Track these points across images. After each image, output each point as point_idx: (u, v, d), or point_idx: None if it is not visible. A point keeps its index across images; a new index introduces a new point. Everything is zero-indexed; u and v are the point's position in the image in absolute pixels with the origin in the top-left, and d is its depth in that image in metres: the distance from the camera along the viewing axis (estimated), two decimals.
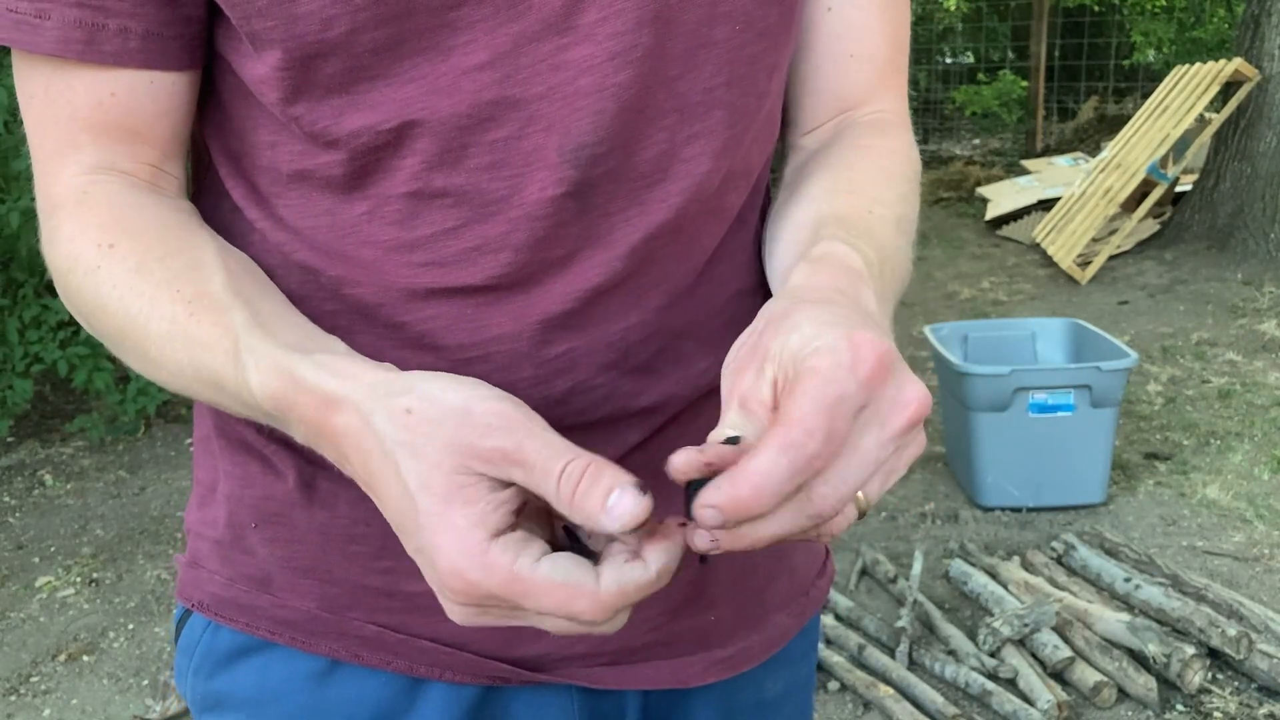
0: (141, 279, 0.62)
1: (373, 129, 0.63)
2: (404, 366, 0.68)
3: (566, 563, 0.50)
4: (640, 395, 0.71)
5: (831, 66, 0.76)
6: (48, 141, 0.67)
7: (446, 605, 0.53)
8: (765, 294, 0.80)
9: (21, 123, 0.70)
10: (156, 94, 0.66)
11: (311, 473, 0.72)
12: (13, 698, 2.65)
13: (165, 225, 0.66)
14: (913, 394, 0.51)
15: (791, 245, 0.68)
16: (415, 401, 0.53)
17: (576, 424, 0.70)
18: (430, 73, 0.62)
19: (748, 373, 0.53)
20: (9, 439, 4.14)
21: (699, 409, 0.75)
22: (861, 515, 0.53)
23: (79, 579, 3.19)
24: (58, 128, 0.66)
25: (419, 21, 0.60)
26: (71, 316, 4.11)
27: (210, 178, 0.73)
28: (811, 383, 0.48)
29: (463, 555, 0.50)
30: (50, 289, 4.03)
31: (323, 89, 0.62)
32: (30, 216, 3.62)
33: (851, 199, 0.69)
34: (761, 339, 0.54)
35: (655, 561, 0.51)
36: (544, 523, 0.55)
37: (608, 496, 0.48)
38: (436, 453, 0.51)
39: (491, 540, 0.50)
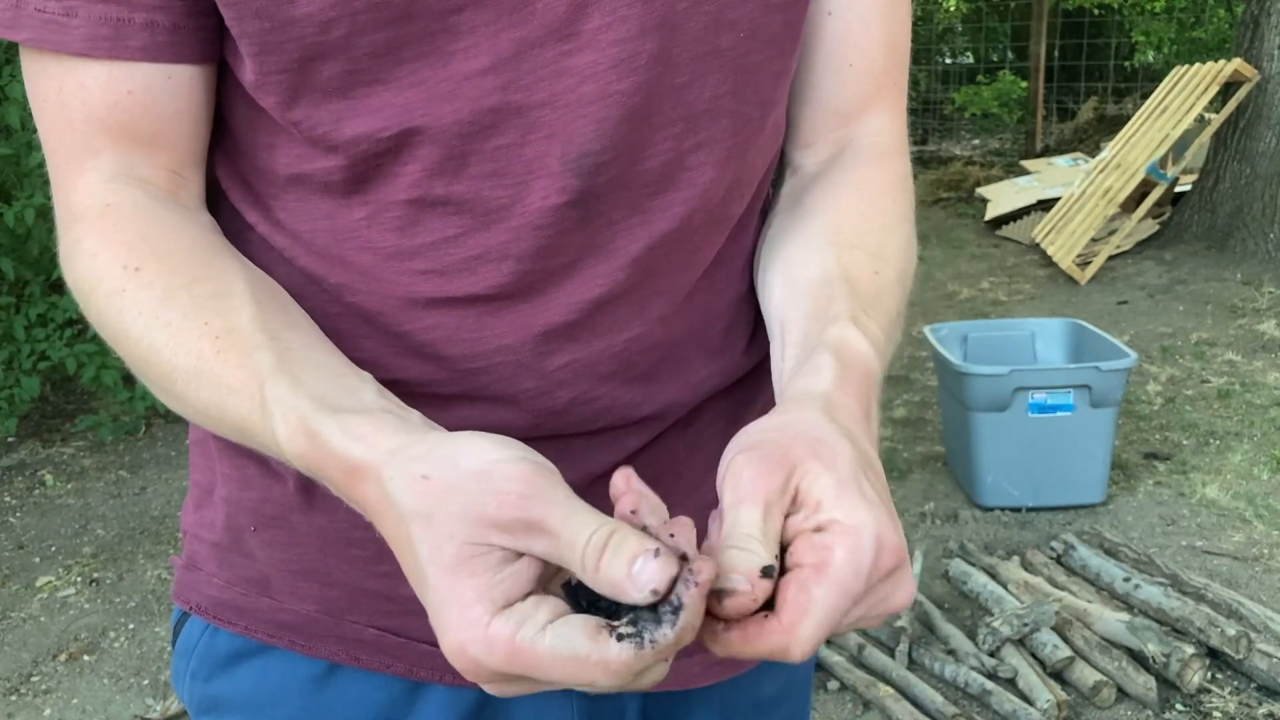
0: (167, 308, 0.59)
1: (373, 136, 0.62)
2: (407, 375, 0.67)
3: (573, 631, 0.46)
4: (642, 404, 0.71)
5: (830, 75, 0.74)
6: (64, 147, 0.65)
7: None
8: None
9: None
10: (175, 90, 0.64)
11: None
12: (13, 697, 2.65)
13: (193, 247, 0.63)
14: (902, 598, 0.52)
15: (800, 301, 0.66)
16: (432, 468, 0.50)
17: (578, 433, 0.70)
18: (430, 78, 0.61)
19: (774, 479, 0.51)
20: (10, 439, 4.14)
21: (699, 414, 0.75)
22: None
23: (80, 579, 3.19)
24: (73, 132, 0.64)
25: (419, 25, 0.59)
26: (75, 316, 4.07)
27: (209, 179, 0.72)
28: (829, 583, 0.48)
29: (465, 630, 0.47)
30: (56, 287, 4.03)
31: (321, 93, 0.62)
32: (44, 213, 3.61)
33: (858, 256, 0.67)
34: (790, 450, 0.52)
35: (672, 625, 0.46)
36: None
37: (632, 564, 0.46)
38: (450, 522, 0.48)
39: (495, 615, 0.47)
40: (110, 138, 0.64)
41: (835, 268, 0.66)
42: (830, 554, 0.49)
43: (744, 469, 0.52)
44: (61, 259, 0.65)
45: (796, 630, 0.48)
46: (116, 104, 0.63)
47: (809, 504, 0.50)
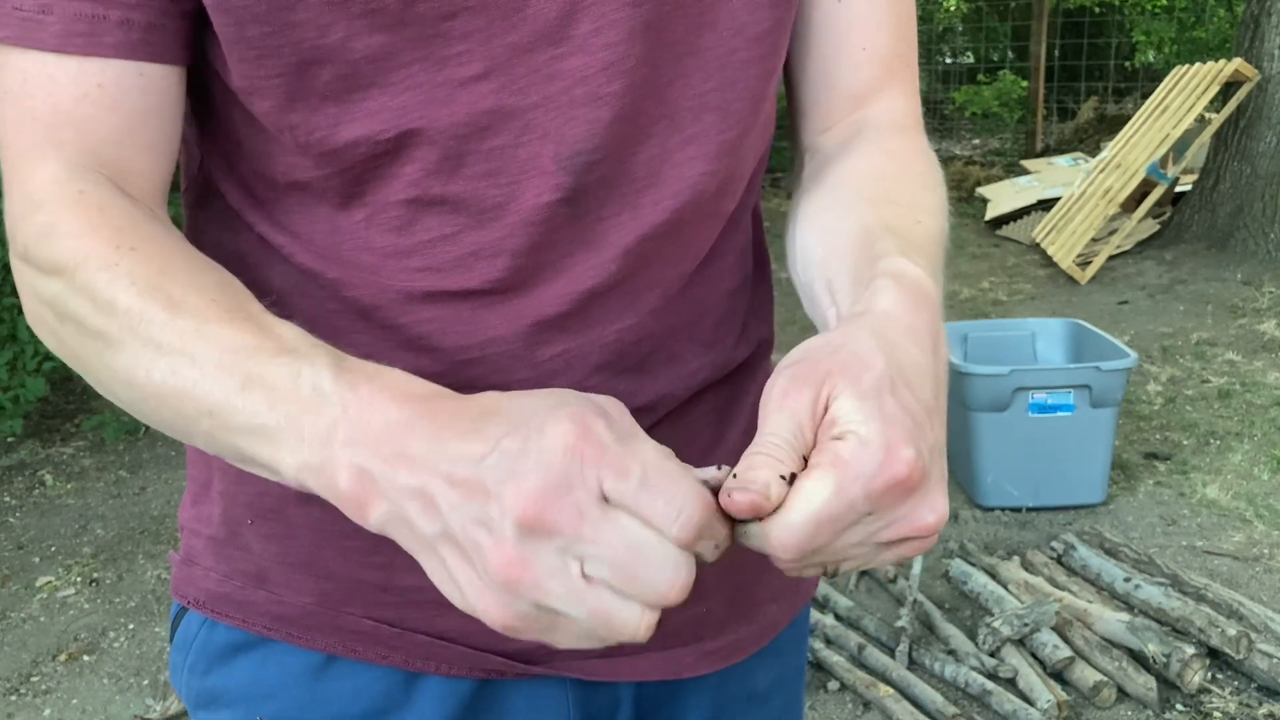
0: (168, 281, 0.58)
1: (370, 139, 0.63)
2: (403, 367, 0.68)
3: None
4: (635, 395, 0.71)
5: (845, 60, 0.76)
6: (22, 137, 0.63)
7: (499, 569, 0.47)
8: (754, 292, 0.80)
9: None
10: (145, 87, 0.63)
11: None
12: (13, 697, 2.65)
13: (182, 244, 0.63)
14: (931, 518, 0.52)
15: (845, 253, 0.65)
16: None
17: None
18: (426, 82, 0.62)
19: (804, 393, 0.52)
20: (9, 439, 4.14)
21: (691, 406, 0.75)
22: (829, 575, 0.54)
23: (79, 579, 3.19)
24: (35, 122, 0.62)
25: (414, 31, 0.60)
26: None
27: (204, 177, 0.72)
28: (827, 483, 0.49)
29: (581, 423, 0.48)
30: None
31: (318, 97, 0.62)
32: None
33: (895, 209, 0.67)
34: (822, 366, 0.52)
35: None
36: None
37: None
38: (564, 393, 0.52)
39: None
40: (76, 131, 0.62)
41: (874, 220, 0.66)
42: (835, 456, 0.50)
43: (775, 387, 0.53)
44: (26, 244, 0.62)
45: (784, 517, 0.49)
46: (85, 96, 0.62)
47: (832, 419, 0.51)
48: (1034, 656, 2.48)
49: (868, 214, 0.66)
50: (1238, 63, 5.88)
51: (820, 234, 0.69)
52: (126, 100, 0.63)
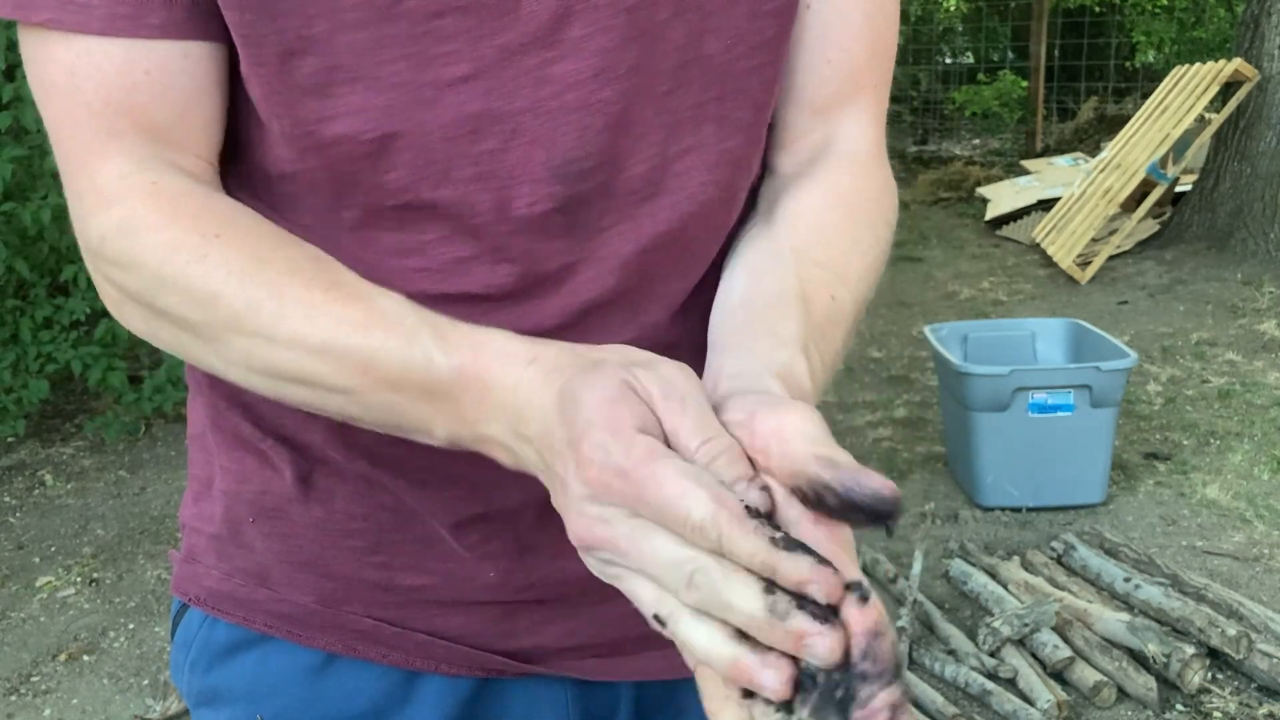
0: (263, 267, 0.58)
1: (354, 138, 0.62)
2: None
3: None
4: None
5: (808, 72, 0.72)
6: (80, 132, 0.62)
7: (577, 486, 0.49)
8: None
9: None
10: (192, 69, 0.63)
11: (308, 468, 0.72)
12: (13, 697, 2.65)
13: (259, 221, 0.62)
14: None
15: (755, 313, 0.63)
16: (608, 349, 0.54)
17: None
18: (411, 81, 0.61)
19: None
20: (9, 439, 4.14)
21: None
22: None
23: (79, 579, 3.19)
24: (91, 115, 0.62)
25: (400, 27, 0.60)
26: (81, 318, 3.94)
27: None
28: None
29: (613, 430, 0.48)
30: (62, 290, 4.03)
31: (300, 89, 0.62)
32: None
33: (820, 275, 0.65)
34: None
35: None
36: None
37: (738, 480, 0.48)
38: (616, 363, 0.52)
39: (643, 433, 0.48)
40: (132, 120, 0.62)
41: (794, 284, 0.64)
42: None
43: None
44: (103, 239, 0.62)
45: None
46: (135, 85, 0.62)
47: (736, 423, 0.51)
48: (1034, 656, 2.48)
49: (790, 277, 0.64)
50: (1238, 63, 5.88)
51: (746, 276, 0.67)
52: (175, 84, 0.63)
